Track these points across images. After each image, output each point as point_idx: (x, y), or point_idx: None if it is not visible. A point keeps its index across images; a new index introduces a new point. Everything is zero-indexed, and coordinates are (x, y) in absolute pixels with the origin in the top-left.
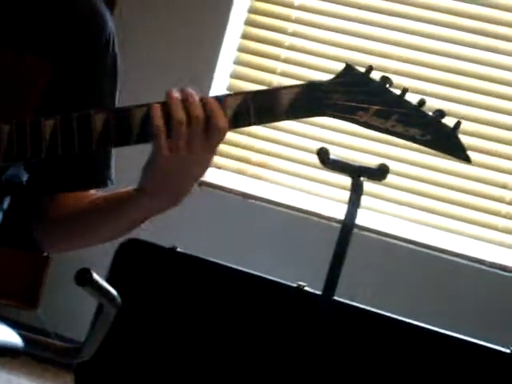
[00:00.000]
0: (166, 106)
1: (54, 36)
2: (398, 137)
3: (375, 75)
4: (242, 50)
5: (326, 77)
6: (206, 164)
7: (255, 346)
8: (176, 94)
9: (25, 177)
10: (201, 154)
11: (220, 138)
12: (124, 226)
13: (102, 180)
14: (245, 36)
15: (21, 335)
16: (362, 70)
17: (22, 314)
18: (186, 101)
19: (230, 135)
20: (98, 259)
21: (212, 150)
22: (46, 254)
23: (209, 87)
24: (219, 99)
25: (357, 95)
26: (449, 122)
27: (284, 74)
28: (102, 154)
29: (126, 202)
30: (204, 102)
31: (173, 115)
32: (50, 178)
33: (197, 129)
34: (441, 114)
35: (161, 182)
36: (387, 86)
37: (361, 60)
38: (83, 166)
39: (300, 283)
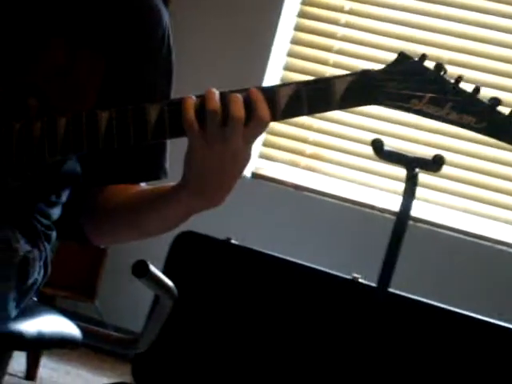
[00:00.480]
0: (201, 99)
1: (109, 31)
2: (452, 124)
3: (428, 64)
4: (294, 41)
5: (379, 67)
6: (245, 157)
7: (309, 338)
8: (215, 90)
9: (78, 169)
10: (239, 146)
11: (261, 130)
12: (169, 220)
13: (154, 173)
14: (298, 28)
15: (79, 327)
16: (416, 58)
17: (79, 305)
18: (224, 96)
19: (283, 127)
20: (154, 251)
21: (251, 142)
22: (102, 246)
23: (262, 79)
24: (271, 89)
25: (411, 83)
26: (504, 110)
27: (337, 65)
28: (156, 147)
29: (169, 197)
30: (248, 93)
31: (206, 105)
32: (103, 169)
33: (235, 124)
34: (496, 101)
35: (199, 177)
36: (441, 73)
37: (414, 50)
38: (137, 158)
39: (355, 275)
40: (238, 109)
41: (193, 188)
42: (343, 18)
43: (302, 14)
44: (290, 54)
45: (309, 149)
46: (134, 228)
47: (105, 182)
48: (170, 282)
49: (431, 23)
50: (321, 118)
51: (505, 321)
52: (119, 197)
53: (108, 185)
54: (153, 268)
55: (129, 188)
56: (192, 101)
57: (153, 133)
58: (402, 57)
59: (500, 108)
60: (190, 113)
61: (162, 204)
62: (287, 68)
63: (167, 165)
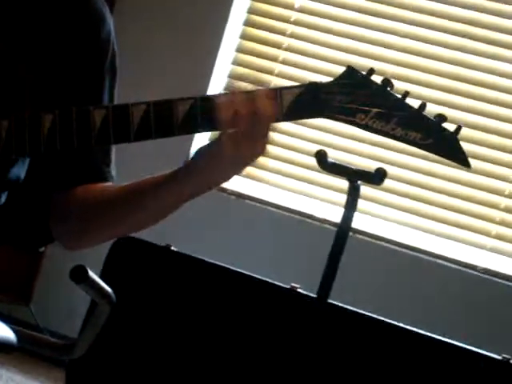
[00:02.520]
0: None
1: (49, 33)
2: (398, 140)
3: (375, 79)
4: (240, 50)
5: (325, 79)
6: (257, 155)
7: (247, 346)
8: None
9: (23, 173)
10: (256, 147)
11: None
12: (160, 209)
13: (102, 176)
14: (244, 36)
15: (14, 331)
16: (364, 72)
17: (14, 309)
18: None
19: None
20: (91, 256)
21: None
22: (41, 250)
23: (206, 87)
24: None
25: (357, 97)
26: (449, 127)
27: (282, 76)
28: (101, 151)
29: (163, 185)
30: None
31: (237, 108)
32: (52, 174)
33: (265, 122)
34: (442, 118)
35: (212, 169)
36: (388, 88)
37: (360, 63)
38: (82, 162)
39: (293, 285)
40: (268, 106)
41: (198, 179)
42: (289, 28)
43: (249, 23)
44: (236, 63)
45: None
46: (119, 224)
47: (55, 188)
48: (108, 289)
49: (378, 37)
50: None
51: (442, 334)
52: (95, 196)
53: (58, 190)
54: (91, 273)
55: (101, 187)
56: (224, 100)
57: (97, 137)
58: (350, 70)
59: (445, 125)
60: (226, 113)
61: (159, 192)
62: (232, 76)
63: (113, 167)
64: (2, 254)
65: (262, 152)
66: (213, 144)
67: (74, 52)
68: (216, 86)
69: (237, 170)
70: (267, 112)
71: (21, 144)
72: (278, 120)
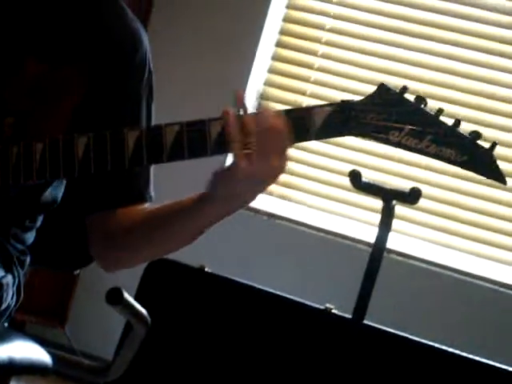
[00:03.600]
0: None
1: (89, 53)
2: (432, 157)
3: (408, 97)
4: (272, 71)
5: (356, 98)
6: (277, 173)
7: (282, 368)
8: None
9: (59, 195)
10: (271, 164)
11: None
12: (192, 231)
13: (142, 198)
14: (275, 58)
15: (49, 353)
16: (396, 90)
17: (49, 331)
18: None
19: None
20: (125, 278)
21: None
22: (76, 273)
23: (246, 83)
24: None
25: (391, 115)
26: (484, 145)
27: (313, 96)
28: (140, 172)
29: (193, 208)
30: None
31: (246, 126)
32: (91, 196)
33: (279, 138)
34: (476, 135)
35: (232, 190)
36: (422, 106)
37: (392, 82)
38: (123, 184)
39: (328, 305)
40: (277, 121)
41: (221, 202)
42: (320, 48)
43: (281, 44)
44: (271, 71)
45: (284, 178)
46: (155, 245)
47: (94, 209)
48: (143, 311)
49: (410, 56)
50: (296, 148)
51: (480, 355)
52: (133, 218)
53: (98, 212)
54: (127, 295)
55: (139, 208)
56: (234, 116)
57: (130, 159)
58: (382, 88)
59: (480, 143)
60: (235, 130)
61: (181, 217)
62: (267, 83)
63: (152, 188)
64: (36, 276)
65: (280, 169)
66: (228, 166)
67: (111, 74)
68: (252, 94)
69: (257, 188)
70: (277, 127)
71: (55, 167)
72: (311, 139)
